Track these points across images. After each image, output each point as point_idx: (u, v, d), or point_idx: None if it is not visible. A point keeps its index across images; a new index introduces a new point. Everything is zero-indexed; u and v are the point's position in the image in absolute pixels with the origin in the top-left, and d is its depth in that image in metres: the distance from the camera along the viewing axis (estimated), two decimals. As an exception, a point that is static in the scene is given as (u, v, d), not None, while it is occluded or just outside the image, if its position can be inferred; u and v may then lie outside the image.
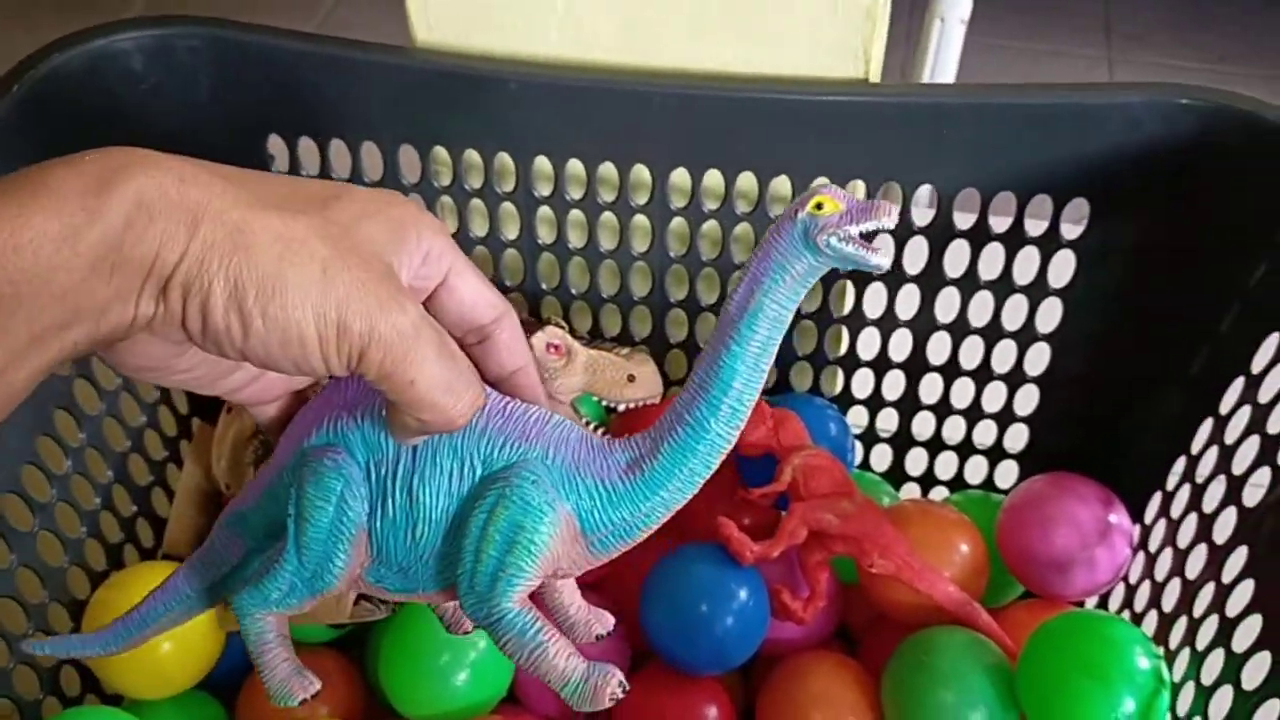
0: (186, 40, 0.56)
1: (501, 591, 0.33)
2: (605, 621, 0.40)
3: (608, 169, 0.56)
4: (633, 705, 0.55)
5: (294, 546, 0.34)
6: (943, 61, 0.94)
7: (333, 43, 0.56)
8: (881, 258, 0.30)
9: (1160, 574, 0.53)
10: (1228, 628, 0.46)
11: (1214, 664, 0.47)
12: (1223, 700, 0.46)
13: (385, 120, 0.57)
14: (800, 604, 0.54)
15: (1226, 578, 0.48)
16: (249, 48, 0.56)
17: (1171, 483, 0.54)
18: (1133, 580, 0.56)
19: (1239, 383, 0.50)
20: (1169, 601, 0.52)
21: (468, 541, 0.33)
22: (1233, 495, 0.49)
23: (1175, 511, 0.53)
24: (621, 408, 0.55)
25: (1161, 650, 0.51)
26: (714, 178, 0.55)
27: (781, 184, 0.55)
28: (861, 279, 0.57)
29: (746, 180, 0.55)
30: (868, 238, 0.30)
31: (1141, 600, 0.55)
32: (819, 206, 0.30)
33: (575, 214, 0.58)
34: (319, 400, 0.36)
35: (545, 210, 0.58)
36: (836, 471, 0.53)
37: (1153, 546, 0.55)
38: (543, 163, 0.57)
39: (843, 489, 0.53)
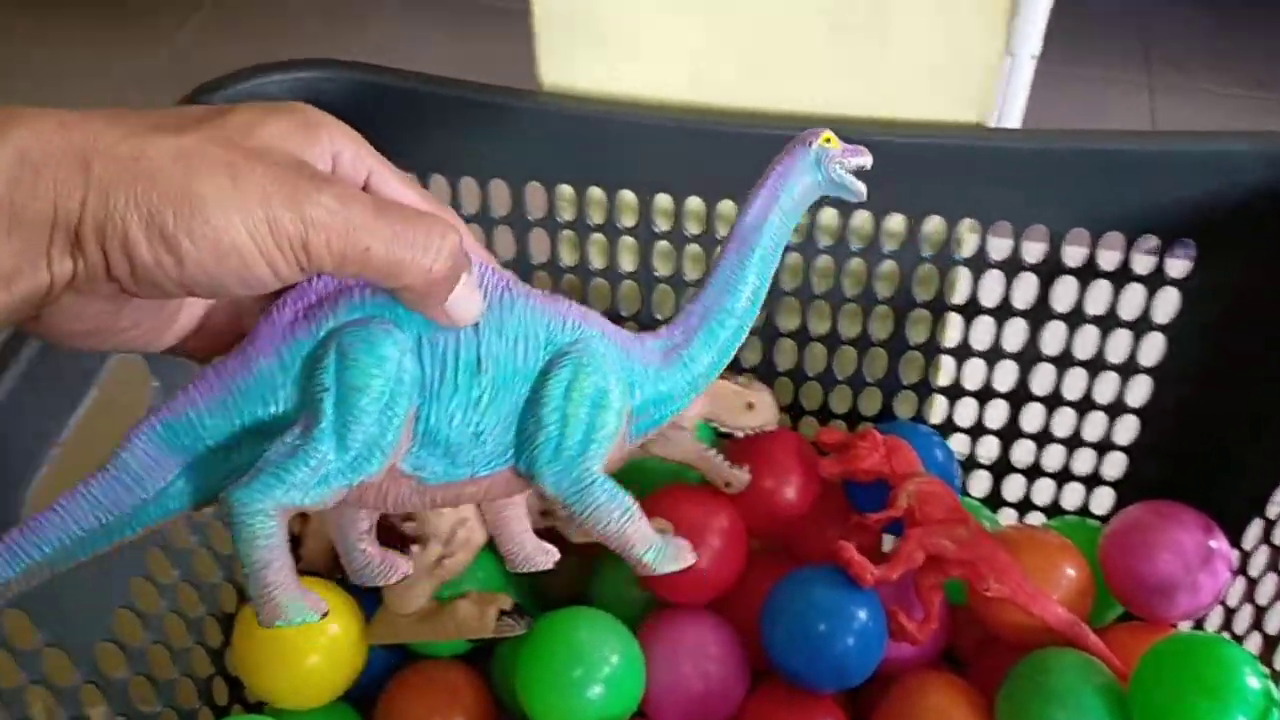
0: (329, 83, 0.59)
1: (592, 455, 0.33)
2: (553, 553, 0.39)
3: (726, 206, 0.59)
4: (752, 720, 0.58)
5: (332, 427, 0.31)
6: (1012, 95, 0.96)
7: (467, 86, 0.58)
8: (862, 189, 0.36)
9: (1263, 598, 0.56)
10: (1340, 650, 0.49)
11: (1326, 685, 0.50)
12: (1336, 720, 0.48)
13: (514, 159, 0.60)
14: (915, 625, 0.56)
15: (1335, 603, 0.50)
16: (386, 89, 0.59)
17: (1273, 511, 0.57)
18: (1231, 603, 0.58)
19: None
20: (1273, 624, 0.54)
21: (548, 410, 0.33)
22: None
23: (1278, 539, 0.55)
24: (739, 434, 0.58)
25: (1267, 671, 0.53)
26: (829, 215, 0.58)
27: (896, 222, 0.58)
28: (970, 313, 0.60)
29: (861, 217, 0.58)
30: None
31: (1242, 623, 0.57)
32: (827, 140, 0.36)
33: (693, 248, 0.61)
34: (316, 285, 0.32)
35: (663, 244, 0.61)
36: (949, 498, 0.56)
37: (1254, 571, 0.57)
38: (663, 199, 0.59)
39: (956, 515, 0.55)
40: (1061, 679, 0.54)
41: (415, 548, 0.55)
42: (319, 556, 0.60)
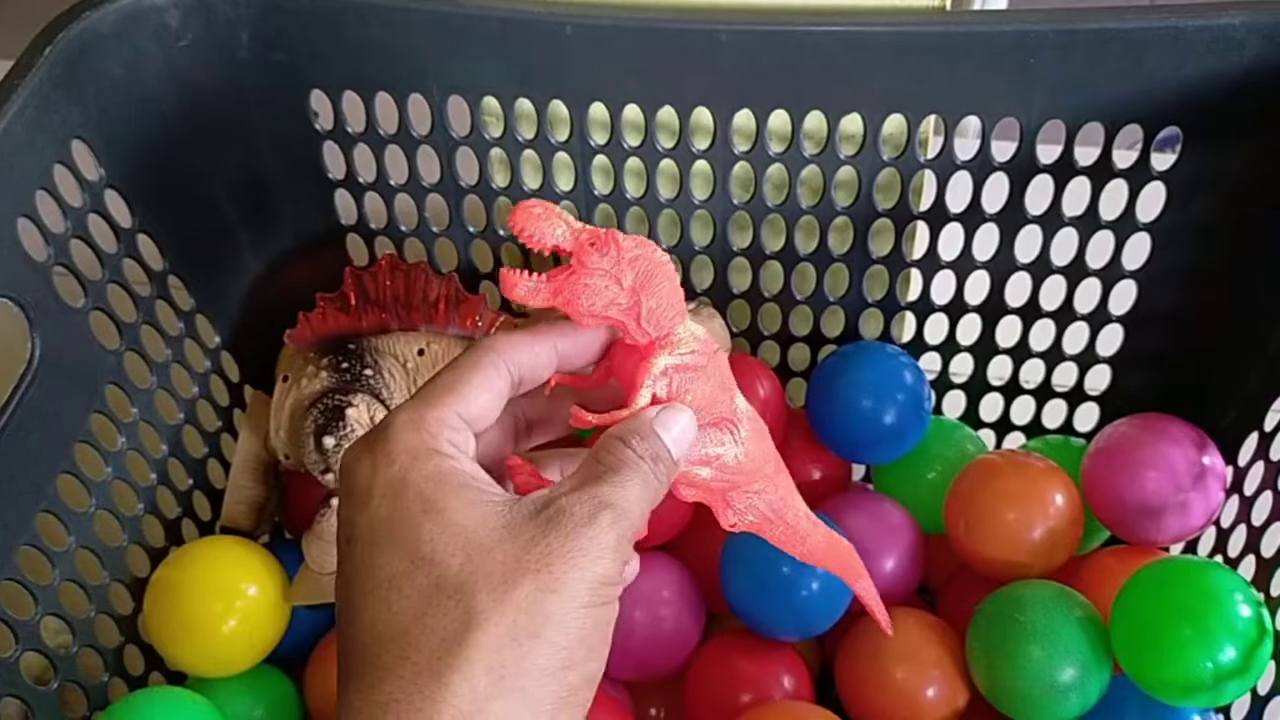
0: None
1: None
2: None
3: (667, 114, 0.53)
4: (706, 670, 0.54)
5: None
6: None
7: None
8: None
9: (1258, 518, 0.51)
10: (1343, 574, 0.45)
11: (1327, 612, 0.45)
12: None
13: (434, 71, 0.54)
14: None
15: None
16: (291, 1, 0.53)
17: (1270, 423, 0.52)
18: (1225, 524, 0.54)
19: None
20: (1269, 547, 0.50)
21: None
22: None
23: (1276, 454, 0.51)
24: (690, 364, 0.53)
25: (1262, 596, 0.49)
26: (780, 119, 0.53)
27: (851, 122, 0.52)
28: (937, 220, 0.55)
29: (814, 120, 0.52)
30: None
31: (1236, 545, 0.53)
32: None
33: (633, 162, 0.56)
34: None
35: (601, 159, 0.56)
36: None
37: (1249, 490, 0.52)
38: (598, 109, 0.54)
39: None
40: (1037, 613, 0.50)
41: (335, 501, 0.51)
42: (238, 513, 0.56)
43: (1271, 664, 0.47)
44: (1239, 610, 0.46)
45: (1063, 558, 0.54)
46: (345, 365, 0.53)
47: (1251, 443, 0.53)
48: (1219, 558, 0.54)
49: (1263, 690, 0.48)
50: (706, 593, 0.55)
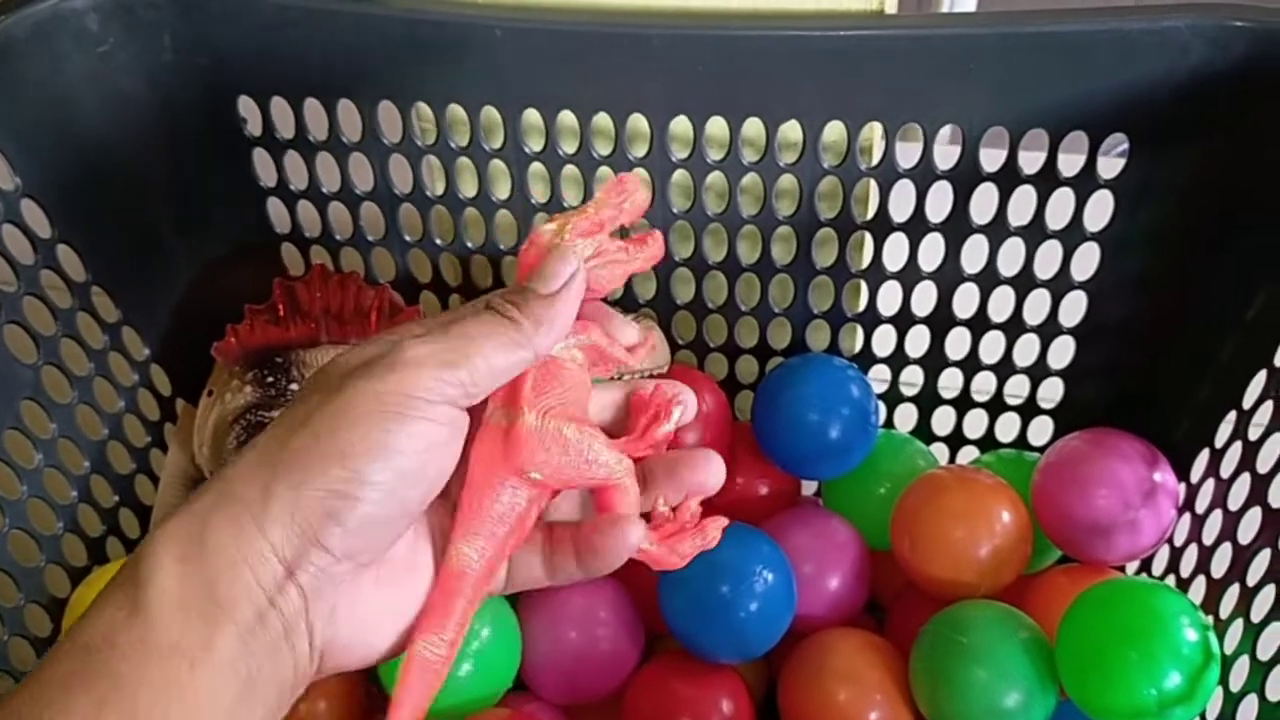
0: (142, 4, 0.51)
1: None
2: None
3: (603, 120, 0.52)
4: (644, 693, 0.52)
5: None
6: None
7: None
8: None
9: (1209, 537, 0.50)
10: (1289, 598, 0.43)
11: (1273, 636, 0.43)
12: (1284, 676, 0.43)
13: (362, 76, 0.52)
14: None
15: (1286, 543, 0.44)
16: (214, 3, 0.52)
17: (1221, 439, 0.50)
18: (1178, 543, 0.52)
19: (1297, 331, 0.46)
20: (1219, 567, 0.49)
21: None
22: (1292, 454, 0.44)
23: (1225, 470, 0.49)
24: (626, 378, 0.51)
25: (1211, 619, 0.48)
26: (718, 125, 0.51)
27: (791, 129, 0.51)
28: (881, 230, 0.53)
29: (753, 127, 0.51)
30: None
31: (1188, 565, 0.51)
32: None
33: (570, 169, 0.54)
34: None
35: (538, 166, 0.54)
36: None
37: (1200, 508, 0.51)
38: (532, 116, 0.52)
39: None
40: (981, 634, 0.49)
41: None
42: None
43: (1220, 690, 0.45)
44: (1184, 634, 0.45)
45: (1010, 577, 0.53)
46: (271, 379, 0.51)
47: (1203, 459, 0.52)
48: (1171, 577, 0.53)
49: (1211, 716, 0.46)
50: (648, 613, 0.54)
